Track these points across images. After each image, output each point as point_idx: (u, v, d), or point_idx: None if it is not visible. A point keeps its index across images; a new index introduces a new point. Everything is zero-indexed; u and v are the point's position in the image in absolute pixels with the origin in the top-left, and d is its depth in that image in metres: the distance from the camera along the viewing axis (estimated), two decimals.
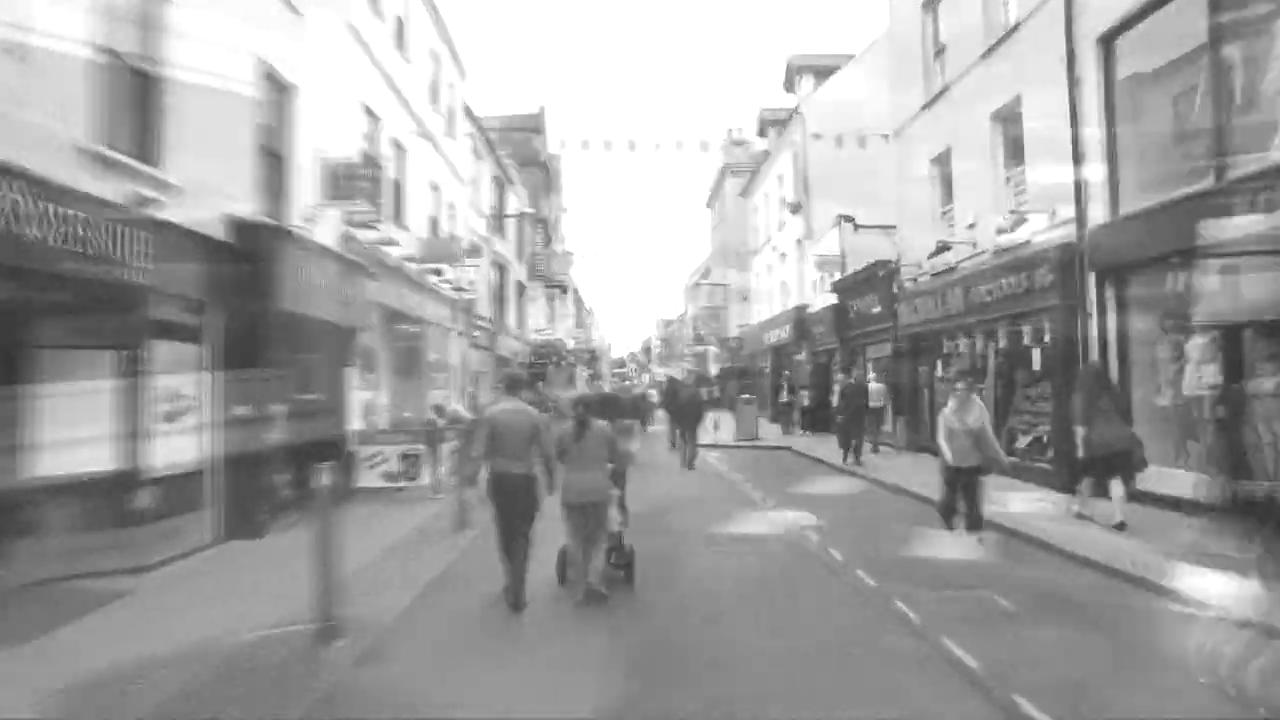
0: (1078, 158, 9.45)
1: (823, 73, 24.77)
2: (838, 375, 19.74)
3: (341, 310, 10.27)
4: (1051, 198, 10.20)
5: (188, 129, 7.18)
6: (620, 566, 6.08)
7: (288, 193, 9.43)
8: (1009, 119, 11.68)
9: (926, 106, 14.29)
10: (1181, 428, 8.28)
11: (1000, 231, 10.58)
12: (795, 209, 24.48)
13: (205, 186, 7.42)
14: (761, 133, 31.56)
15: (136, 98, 6.71)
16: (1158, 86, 8.61)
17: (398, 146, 14.24)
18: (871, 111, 18.47)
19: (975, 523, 7.35)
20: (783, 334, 25.44)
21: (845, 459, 13.81)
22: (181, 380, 7.05)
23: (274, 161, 9.22)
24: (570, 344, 45.70)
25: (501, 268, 26.58)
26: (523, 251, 31.34)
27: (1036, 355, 10.56)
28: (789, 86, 26.85)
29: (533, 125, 37.70)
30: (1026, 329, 10.90)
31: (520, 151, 33.19)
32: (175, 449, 6.96)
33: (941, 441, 7.36)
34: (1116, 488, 7.57)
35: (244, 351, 7.99)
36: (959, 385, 7.51)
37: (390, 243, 12.78)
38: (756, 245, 31.29)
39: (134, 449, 6.51)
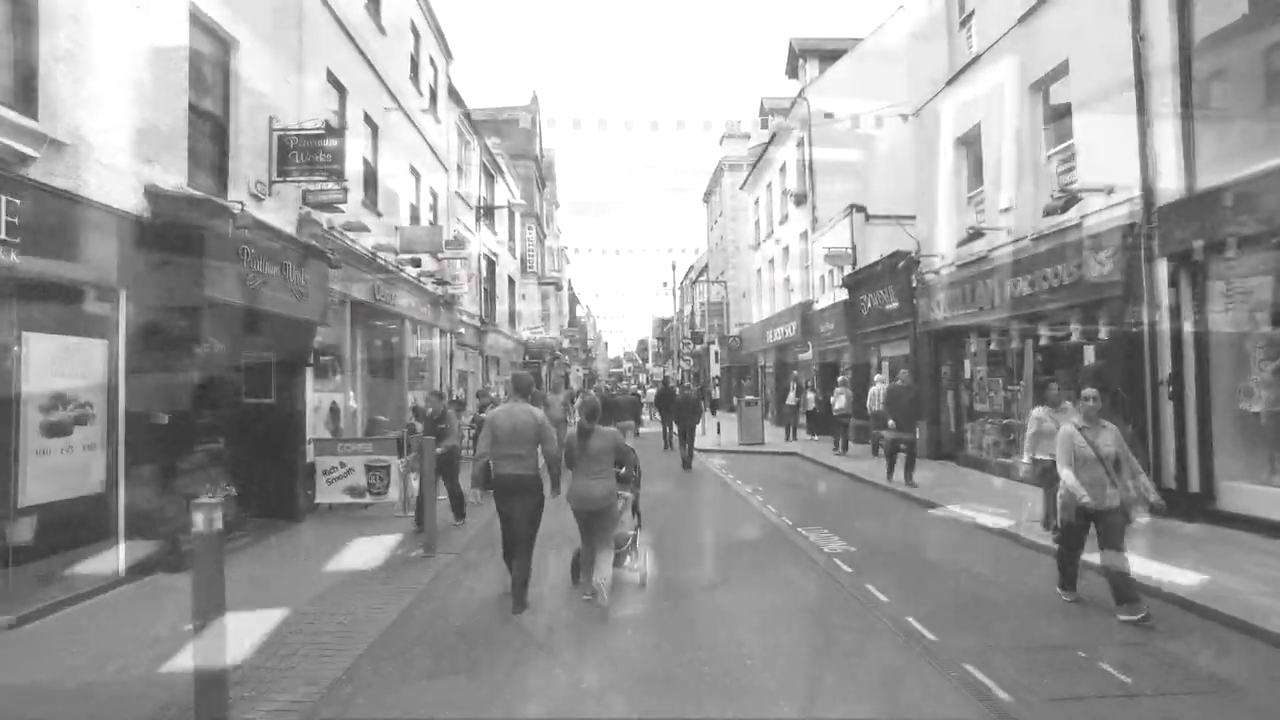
0: (1143, 127, 8.20)
1: (828, 56, 23.52)
2: (841, 375, 18.54)
3: (296, 302, 8.98)
4: (1107, 174, 8.95)
5: (85, 78, 5.87)
6: (633, 570, 6.00)
7: (230, 165, 8.12)
8: (1053, 88, 10.45)
9: (951, 81, 13.04)
10: (1277, 439, 7.05)
11: (1049, 212, 9.33)
12: (800, 200, 23.24)
13: (110, 148, 6.10)
14: (763, 123, 30.30)
15: (8, 31, 5.39)
16: (1243, 38, 7.36)
17: (370, 123, 12.93)
18: (884, 94, 17.23)
19: (1127, 591, 5.09)
20: (787, 332, 24.19)
21: (890, 475, 11.15)
22: (75, 383, 5.73)
23: (211, 128, 7.91)
24: (565, 343, 44.42)
25: (491, 262, 25.27)
26: (514, 246, 30.04)
27: (1089, 353, 9.32)
28: (792, 72, 25.59)
29: (525, 116, 36.42)
30: (1075, 324, 9.66)
31: (511, 140, 31.89)
32: (67, 467, 5.65)
33: (1066, 473, 5.32)
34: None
35: (169, 348, 6.70)
36: (1088, 394, 5.39)
37: (359, 228, 11.47)
38: (757, 240, 30.04)
39: (9, 469, 5.20)
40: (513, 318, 29.45)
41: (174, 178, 6.87)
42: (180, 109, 7.05)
